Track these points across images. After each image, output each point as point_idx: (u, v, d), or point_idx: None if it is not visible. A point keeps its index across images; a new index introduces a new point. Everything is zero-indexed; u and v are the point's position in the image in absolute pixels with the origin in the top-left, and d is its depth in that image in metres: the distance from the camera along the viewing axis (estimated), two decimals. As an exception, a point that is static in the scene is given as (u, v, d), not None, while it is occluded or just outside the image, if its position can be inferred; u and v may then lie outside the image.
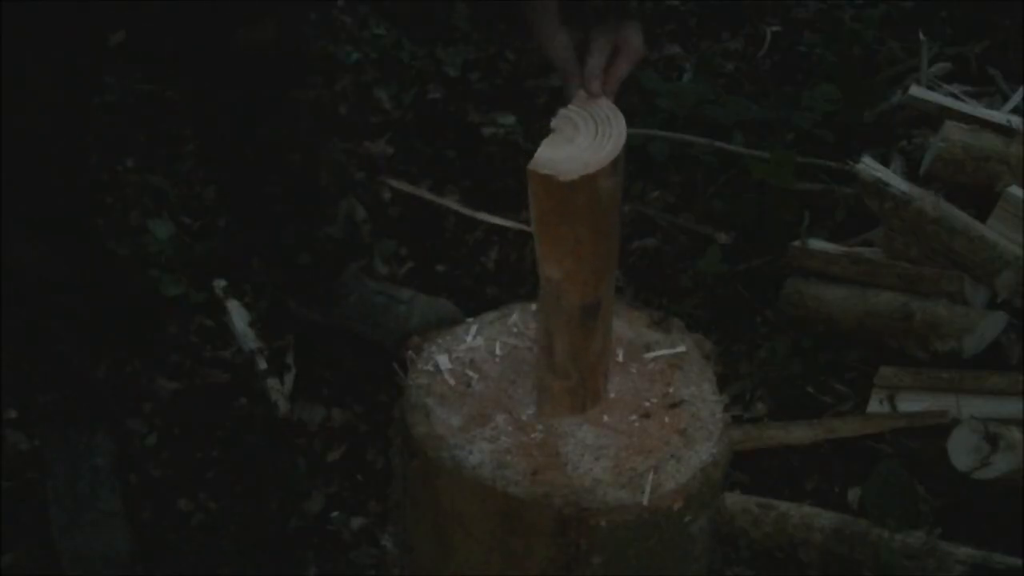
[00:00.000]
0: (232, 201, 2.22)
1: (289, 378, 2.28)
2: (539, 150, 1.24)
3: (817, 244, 2.34)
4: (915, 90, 2.51)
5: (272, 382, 2.25)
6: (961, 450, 1.95)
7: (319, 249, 2.18)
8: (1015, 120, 2.36)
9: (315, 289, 2.26)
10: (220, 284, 2.43)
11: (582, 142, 1.25)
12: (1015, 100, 2.53)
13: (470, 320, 1.53)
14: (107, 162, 2.67)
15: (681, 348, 1.49)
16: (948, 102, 2.46)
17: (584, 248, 1.26)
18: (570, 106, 1.29)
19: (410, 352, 1.48)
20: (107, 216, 2.52)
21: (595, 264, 1.29)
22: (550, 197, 1.22)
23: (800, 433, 2.12)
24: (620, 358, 1.47)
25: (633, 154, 2.72)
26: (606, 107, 1.28)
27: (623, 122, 1.27)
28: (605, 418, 1.40)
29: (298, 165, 2.07)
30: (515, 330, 1.51)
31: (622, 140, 1.25)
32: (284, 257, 2.21)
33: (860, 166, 2.27)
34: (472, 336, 1.50)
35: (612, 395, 1.43)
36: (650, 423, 1.39)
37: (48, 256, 1.84)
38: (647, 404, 1.42)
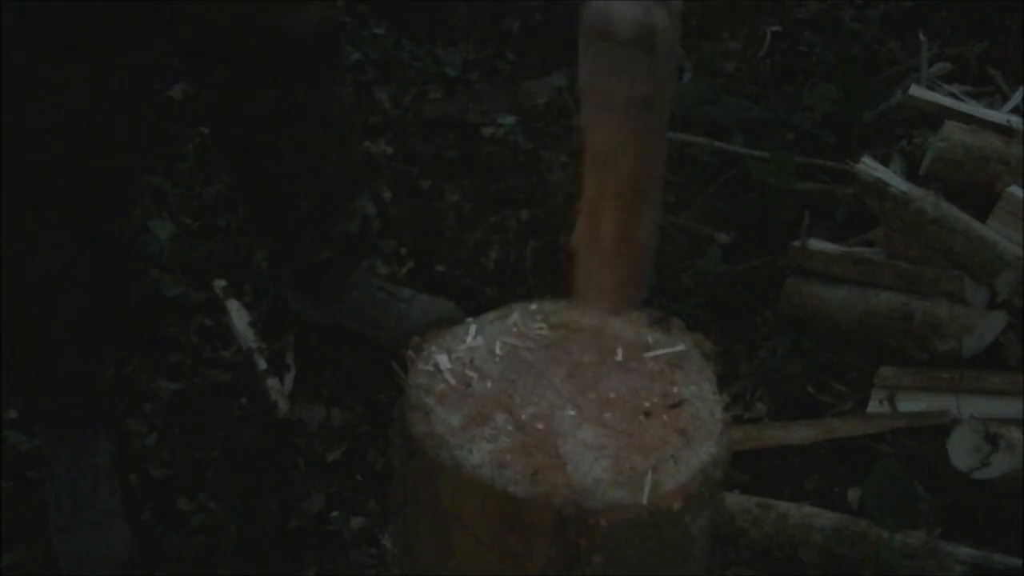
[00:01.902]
0: (254, 201, 2.21)
1: (289, 378, 2.28)
2: (588, 4, 1.18)
3: (817, 244, 2.34)
4: (915, 90, 2.50)
5: (272, 382, 2.25)
6: (961, 450, 1.95)
7: (337, 246, 2.18)
8: (1015, 120, 2.36)
9: (324, 286, 2.27)
10: (220, 284, 2.43)
11: None
12: (1015, 100, 2.53)
13: (470, 320, 1.53)
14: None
15: (681, 347, 1.49)
16: (948, 102, 2.46)
17: (633, 112, 1.21)
18: None
19: (410, 352, 1.48)
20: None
21: (643, 133, 1.24)
22: (603, 54, 1.17)
23: (800, 433, 2.12)
24: (620, 357, 1.47)
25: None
26: None
27: None
28: (605, 417, 1.40)
29: (331, 164, 2.08)
30: (515, 330, 1.51)
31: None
32: (301, 255, 2.21)
33: (860, 166, 2.27)
34: (472, 336, 1.50)
35: (612, 394, 1.43)
36: (650, 422, 1.40)
37: (76, 256, 1.85)
38: (647, 403, 1.42)
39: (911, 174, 2.39)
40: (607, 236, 1.29)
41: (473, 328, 1.51)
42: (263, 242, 2.40)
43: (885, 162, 2.41)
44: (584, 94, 1.21)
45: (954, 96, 2.52)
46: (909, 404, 2.13)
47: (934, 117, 2.45)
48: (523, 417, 1.39)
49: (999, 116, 2.38)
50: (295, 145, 2.02)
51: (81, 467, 1.99)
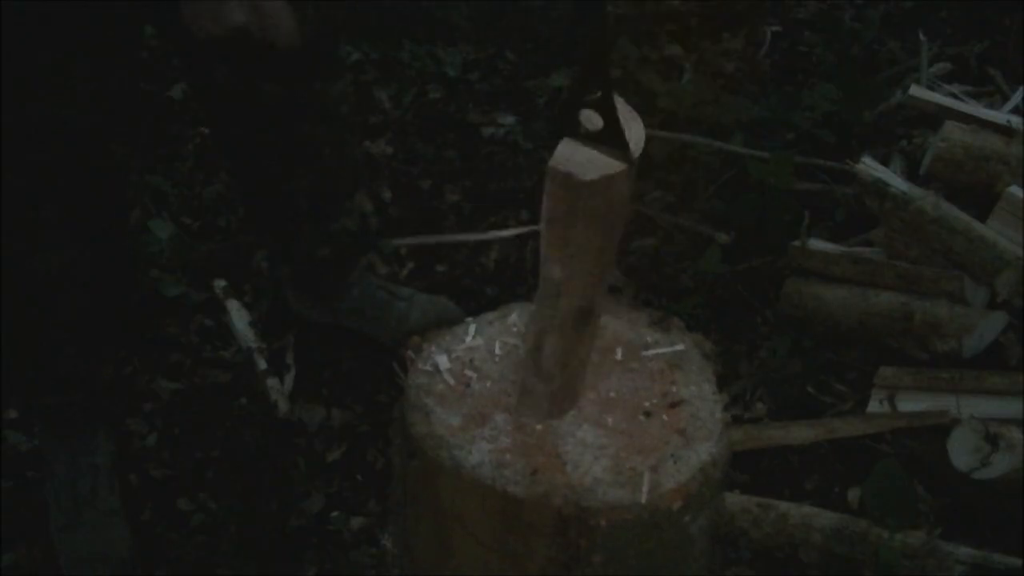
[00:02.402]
0: (252, 199, 2.21)
1: (289, 378, 2.28)
2: (558, 148, 1.24)
3: (817, 244, 2.34)
4: (915, 90, 2.50)
5: (272, 382, 2.25)
6: (961, 450, 1.95)
7: (336, 243, 2.18)
8: (1015, 120, 2.36)
9: (324, 284, 2.27)
10: (220, 284, 2.43)
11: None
12: (1015, 100, 2.53)
13: (470, 320, 1.53)
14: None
15: (680, 347, 1.49)
16: (948, 102, 2.46)
17: (590, 250, 1.26)
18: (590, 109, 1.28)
19: (410, 352, 1.48)
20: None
21: (597, 267, 1.29)
22: (566, 197, 1.22)
23: (800, 433, 2.12)
24: (619, 357, 1.47)
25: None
26: (625, 111, 1.28)
27: (641, 126, 1.27)
28: (605, 417, 1.40)
29: (329, 161, 2.08)
30: (515, 330, 1.51)
31: (640, 144, 1.25)
32: (301, 252, 2.21)
33: (860, 166, 2.27)
34: (472, 336, 1.50)
35: (612, 394, 1.43)
36: (650, 422, 1.40)
37: (76, 256, 1.85)
38: (647, 403, 1.42)
39: (911, 174, 2.39)
40: (549, 356, 1.34)
41: (473, 328, 1.51)
42: (263, 241, 2.40)
43: (885, 162, 2.41)
44: (544, 229, 1.28)
45: (954, 96, 2.52)
46: (909, 404, 2.13)
47: (934, 117, 2.45)
48: (522, 417, 1.39)
49: (999, 116, 2.38)
50: (293, 142, 2.02)
51: (81, 467, 1.99)
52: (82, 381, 1.99)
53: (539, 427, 1.38)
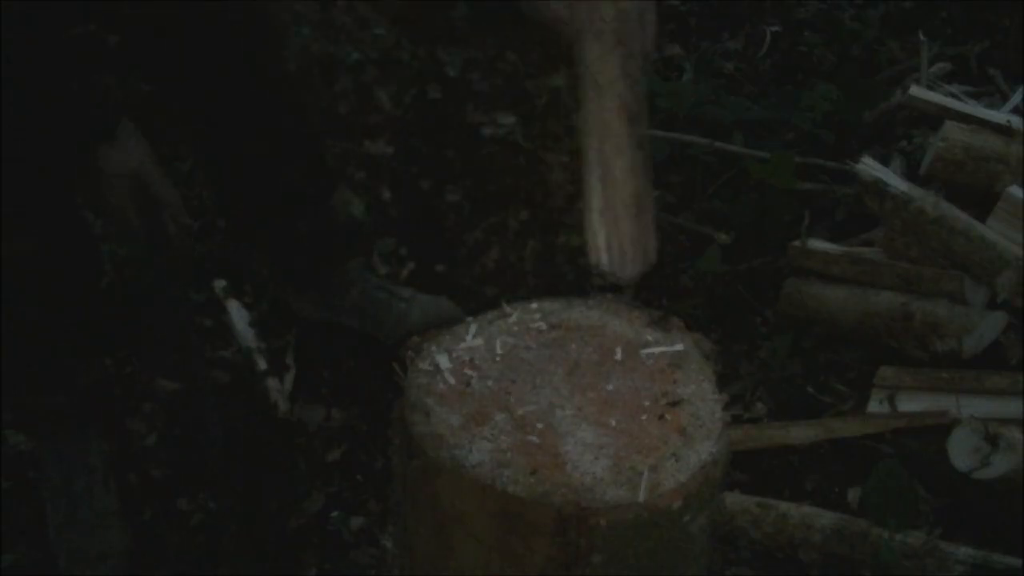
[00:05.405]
0: (233, 195, 2.21)
1: (289, 378, 2.28)
2: None
3: (817, 244, 2.34)
4: (915, 90, 2.50)
5: (272, 382, 2.25)
6: (961, 450, 1.95)
7: (323, 232, 2.18)
8: (1015, 120, 2.36)
9: (319, 278, 2.26)
10: (220, 284, 2.43)
11: None
12: (1015, 100, 2.53)
13: (470, 320, 1.53)
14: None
15: (680, 347, 1.49)
16: (948, 102, 2.45)
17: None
18: None
19: (410, 351, 1.48)
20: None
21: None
22: None
23: (800, 433, 2.12)
24: (619, 357, 1.47)
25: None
26: None
27: None
28: (605, 417, 1.40)
29: (291, 156, 2.07)
30: (515, 330, 1.51)
31: None
32: (289, 245, 2.20)
33: (860, 166, 2.27)
34: (472, 336, 1.50)
35: (612, 394, 1.43)
36: (650, 422, 1.40)
37: (36, 245, 1.84)
38: (647, 403, 1.42)
39: (911, 174, 2.38)
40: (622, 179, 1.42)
41: (473, 328, 1.51)
42: (249, 235, 2.38)
43: (885, 162, 2.40)
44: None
45: (954, 96, 2.52)
46: (909, 404, 2.13)
47: (934, 117, 2.45)
48: (523, 416, 1.39)
49: (999, 116, 2.38)
50: (250, 139, 2.02)
51: (75, 467, 1.99)
52: (61, 382, 1.98)
53: (540, 426, 1.38)
